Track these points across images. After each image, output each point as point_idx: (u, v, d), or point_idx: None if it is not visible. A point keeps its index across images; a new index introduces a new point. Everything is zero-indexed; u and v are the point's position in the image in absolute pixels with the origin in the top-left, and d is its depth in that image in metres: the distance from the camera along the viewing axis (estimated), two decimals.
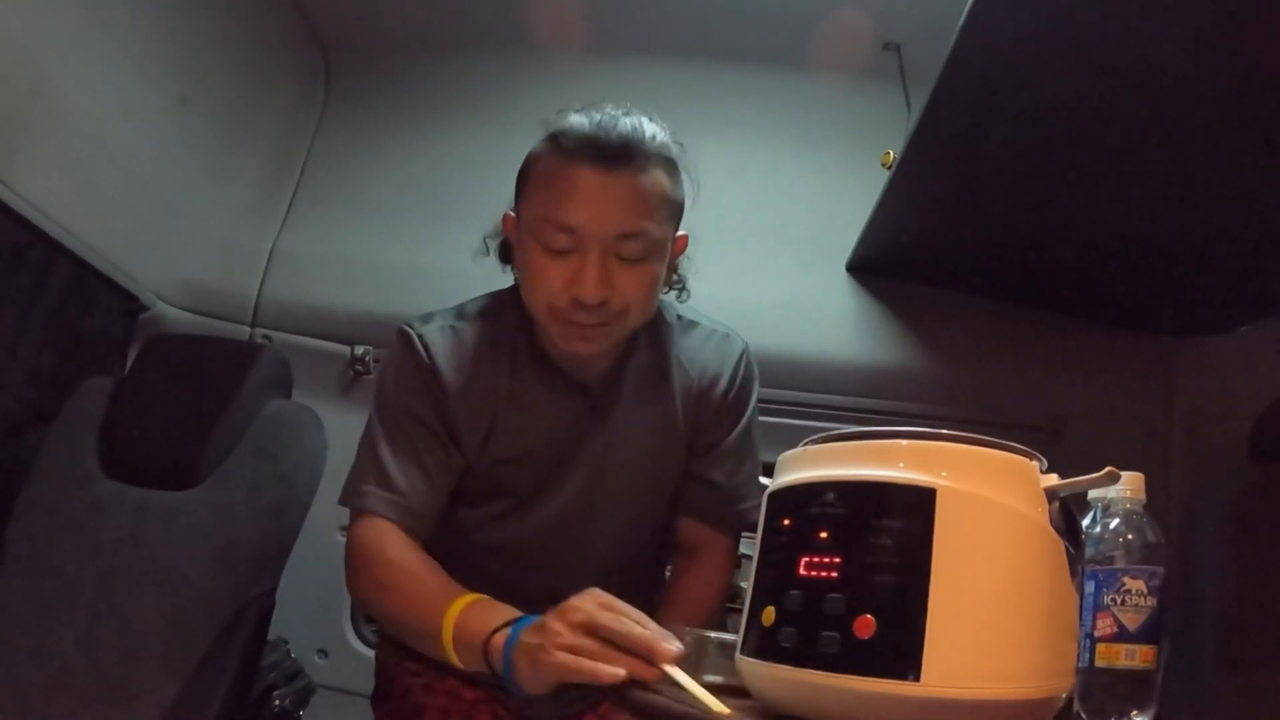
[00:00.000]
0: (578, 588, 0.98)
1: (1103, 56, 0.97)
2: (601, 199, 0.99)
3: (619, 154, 1.00)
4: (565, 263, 1.02)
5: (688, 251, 1.17)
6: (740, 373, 1.21)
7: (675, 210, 1.07)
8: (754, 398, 1.23)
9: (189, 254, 1.68)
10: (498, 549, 1.19)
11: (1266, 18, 0.85)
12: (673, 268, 1.16)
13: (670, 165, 1.05)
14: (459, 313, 1.18)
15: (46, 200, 1.33)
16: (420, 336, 1.13)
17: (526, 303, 1.08)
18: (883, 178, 1.41)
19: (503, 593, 1.03)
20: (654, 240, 1.03)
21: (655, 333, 1.19)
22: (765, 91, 1.81)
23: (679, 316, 1.23)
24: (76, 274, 1.52)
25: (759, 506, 0.94)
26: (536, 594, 0.99)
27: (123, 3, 1.35)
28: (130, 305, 1.63)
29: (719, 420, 1.19)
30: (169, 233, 1.64)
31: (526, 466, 1.15)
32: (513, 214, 1.10)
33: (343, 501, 1.10)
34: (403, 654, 1.17)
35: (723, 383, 1.19)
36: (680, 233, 1.11)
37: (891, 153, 1.41)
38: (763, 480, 0.77)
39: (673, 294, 1.23)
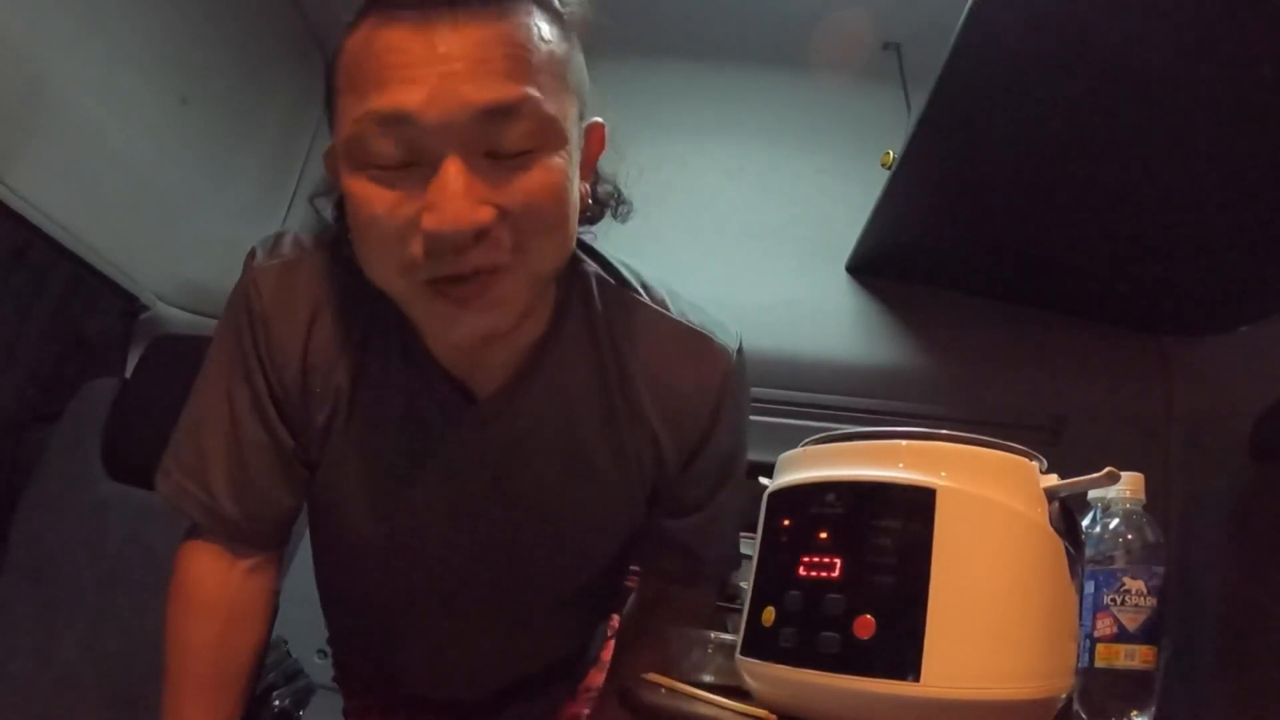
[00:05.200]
0: (489, 634, 0.90)
1: (1102, 56, 0.97)
2: (442, 62, 0.62)
3: None
4: (406, 189, 0.64)
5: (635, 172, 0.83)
6: (722, 401, 0.82)
7: (572, 77, 0.70)
8: (743, 431, 0.88)
9: (189, 254, 1.68)
10: (351, 593, 0.96)
11: (1267, 18, 0.85)
12: (593, 173, 0.78)
13: (549, 11, 0.69)
14: (325, 234, 0.81)
15: (46, 200, 1.34)
16: (255, 274, 0.79)
17: (373, 280, 0.71)
18: (883, 178, 1.41)
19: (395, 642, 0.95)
20: (545, 117, 0.65)
21: (591, 312, 0.80)
22: (765, 92, 1.81)
23: (641, 290, 0.83)
24: (76, 274, 1.53)
25: (738, 563, 0.89)
26: (428, 643, 0.93)
27: (123, 3, 1.36)
28: (130, 305, 1.64)
29: (693, 474, 0.85)
30: (169, 233, 1.64)
31: (364, 485, 0.82)
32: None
33: (157, 484, 0.82)
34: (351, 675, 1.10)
35: (695, 416, 0.82)
36: (594, 119, 0.76)
37: (891, 153, 1.41)
38: (762, 480, 0.77)
39: (620, 254, 0.85)
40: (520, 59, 0.64)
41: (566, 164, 0.68)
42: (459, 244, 0.64)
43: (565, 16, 0.71)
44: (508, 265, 0.66)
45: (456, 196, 0.62)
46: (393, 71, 0.63)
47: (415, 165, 0.64)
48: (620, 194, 0.84)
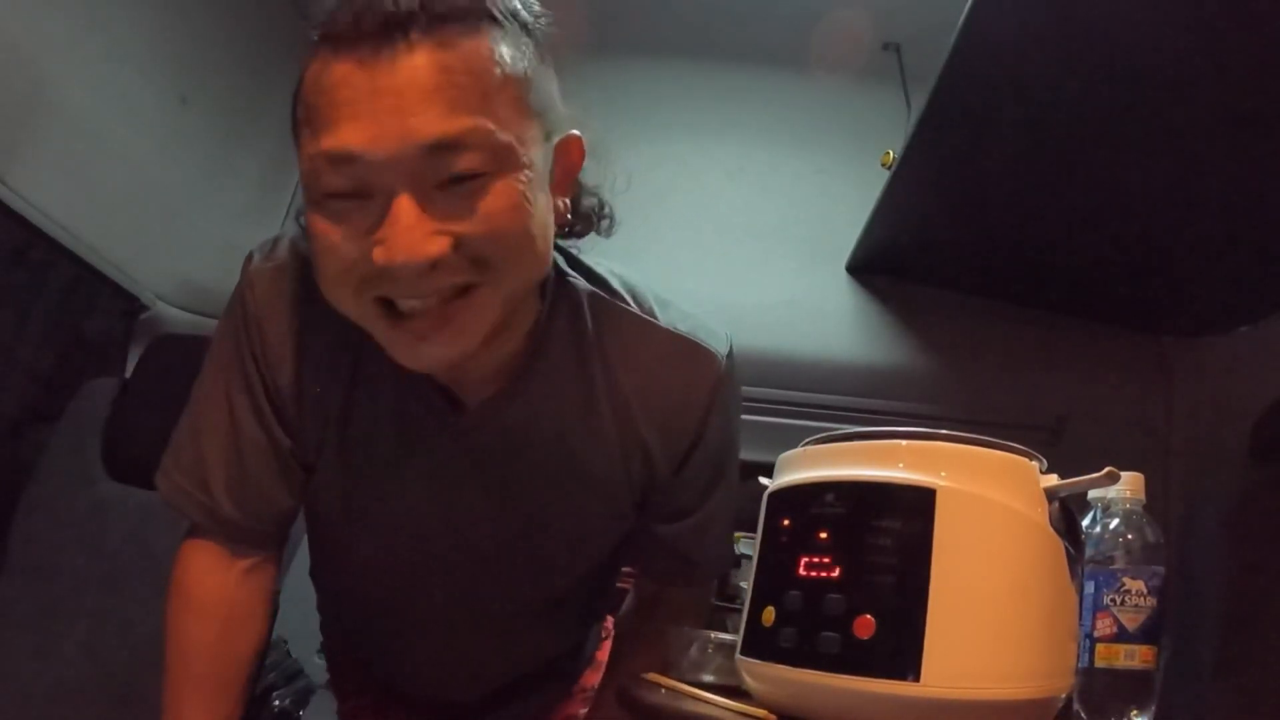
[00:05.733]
0: (482, 640, 0.91)
1: (1103, 56, 0.97)
2: (386, 98, 0.61)
3: (393, 21, 0.61)
4: (360, 222, 0.64)
5: (613, 174, 0.80)
6: (712, 408, 0.82)
7: (534, 98, 0.67)
8: (733, 436, 0.87)
9: (189, 254, 1.68)
10: (347, 595, 0.97)
11: (1267, 17, 0.85)
12: (572, 187, 0.77)
13: (500, 25, 0.66)
14: None
15: (46, 200, 1.33)
16: (251, 276, 0.79)
17: (335, 307, 0.70)
18: (883, 178, 1.41)
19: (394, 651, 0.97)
20: (498, 145, 0.63)
21: (579, 324, 0.80)
22: (765, 92, 1.81)
23: (629, 299, 0.82)
24: (76, 274, 1.52)
25: (733, 561, 0.90)
26: (428, 651, 0.94)
27: (123, 3, 1.35)
28: (130, 305, 1.63)
29: (683, 480, 0.85)
30: (169, 233, 1.64)
31: (357, 489, 0.83)
32: None
33: (157, 485, 0.83)
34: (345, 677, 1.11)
35: (684, 423, 0.82)
36: (571, 131, 0.73)
37: (891, 153, 1.41)
38: (763, 480, 0.77)
39: (609, 263, 0.84)
40: (469, 88, 0.63)
41: (525, 186, 0.66)
42: (412, 276, 0.63)
43: (531, 33, 0.69)
44: (478, 283, 0.66)
45: (408, 230, 0.62)
46: (339, 109, 0.62)
47: (369, 198, 0.64)
48: (604, 206, 0.83)
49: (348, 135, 0.62)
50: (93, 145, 1.40)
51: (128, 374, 1.57)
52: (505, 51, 0.65)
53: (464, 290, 0.66)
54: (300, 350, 0.79)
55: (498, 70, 0.64)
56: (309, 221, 0.67)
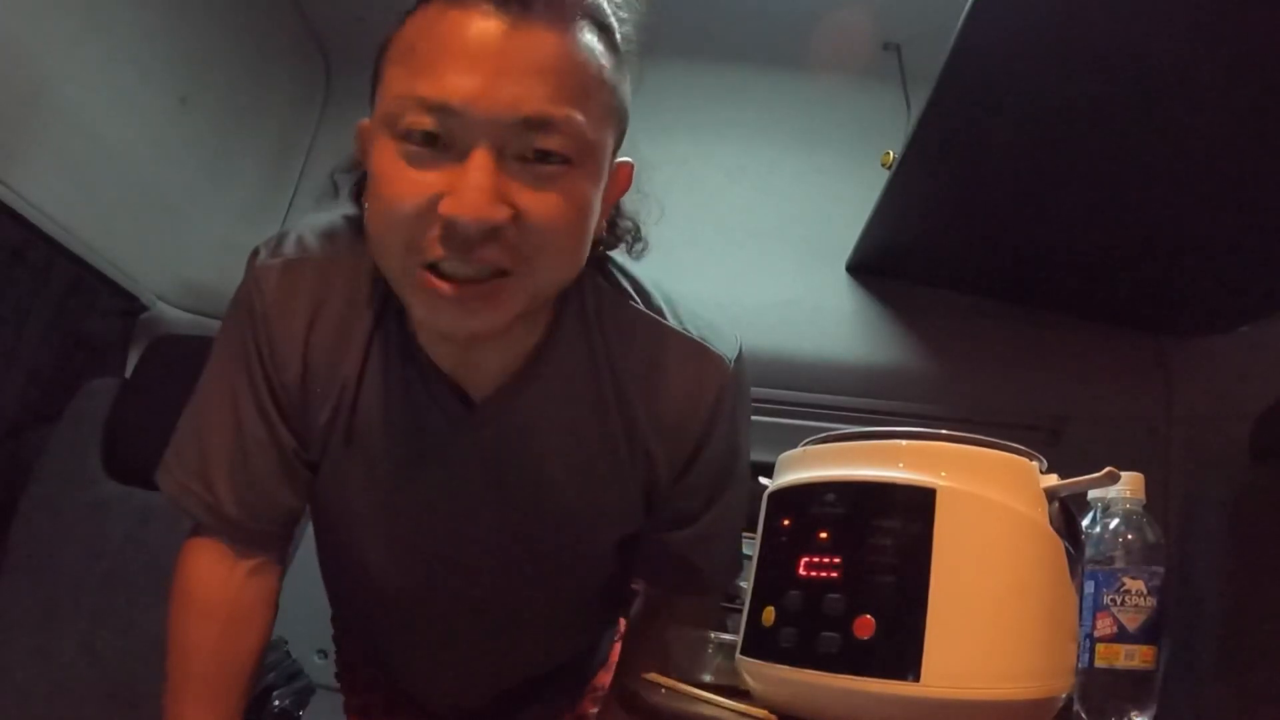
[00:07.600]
0: (494, 652, 0.92)
1: (1102, 56, 0.97)
2: (498, 60, 0.62)
3: None
4: (432, 171, 0.64)
5: (652, 200, 0.84)
6: (717, 414, 0.80)
7: (617, 112, 0.70)
8: (739, 444, 0.85)
9: (189, 254, 1.68)
10: (355, 594, 0.97)
11: (1267, 17, 0.85)
12: (612, 211, 0.79)
13: (610, 38, 0.70)
14: (327, 233, 0.80)
15: (46, 200, 1.33)
16: (258, 272, 0.78)
17: (374, 254, 0.70)
18: (883, 178, 1.41)
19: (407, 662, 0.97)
20: (585, 142, 0.66)
21: (586, 319, 0.79)
22: (765, 91, 1.81)
23: (636, 297, 0.82)
24: (76, 274, 1.52)
25: (741, 572, 0.89)
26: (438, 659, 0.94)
27: (123, 3, 1.35)
28: (130, 305, 1.63)
29: (687, 486, 0.83)
30: (169, 233, 1.64)
31: (365, 485, 0.82)
32: (368, 122, 0.72)
33: (159, 480, 0.82)
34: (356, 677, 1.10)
35: (688, 428, 0.80)
36: (623, 158, 0.75)
37: (891, 153, 1.41)
38: (763, 480, 0.77)
39: (622, 265, 0.84)
40: (574, 79, 0.65)
41: (591, 191, 0.68)
42: (470, 236, 0.63)
43: (621, 49, 0.71)
44: (512, 272, 0.66)
45: (480, 190, 0.62)
46: (449, 58, 0.63)
47: (448, 149, 0.64)
48: (638, 232, 0.83)
49: (452, 86, 0.62)
50: (92, 145, 1.40)
51: (128, 374, 1.57)
52: (606, 56, 0.68)
53: (499, 273, 0.66)
54: (309, 346, 0.78)
55: (599, 72, 0.67)
56: (379, 159, 0.66)
